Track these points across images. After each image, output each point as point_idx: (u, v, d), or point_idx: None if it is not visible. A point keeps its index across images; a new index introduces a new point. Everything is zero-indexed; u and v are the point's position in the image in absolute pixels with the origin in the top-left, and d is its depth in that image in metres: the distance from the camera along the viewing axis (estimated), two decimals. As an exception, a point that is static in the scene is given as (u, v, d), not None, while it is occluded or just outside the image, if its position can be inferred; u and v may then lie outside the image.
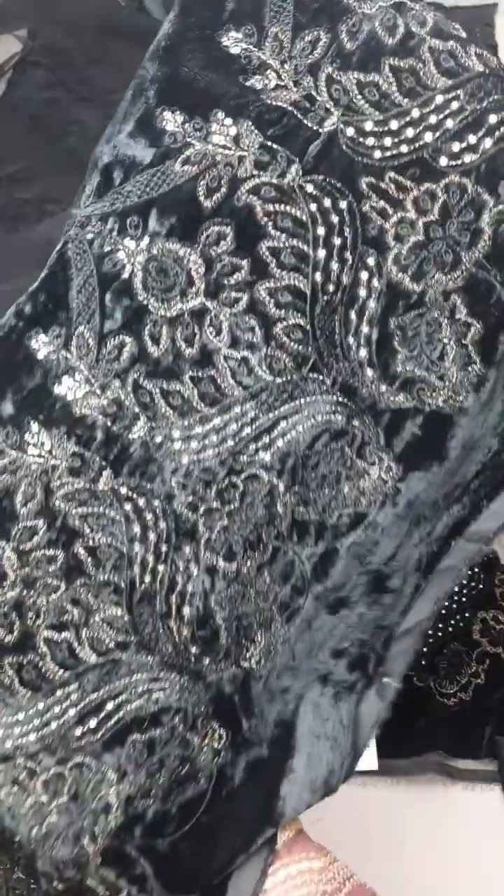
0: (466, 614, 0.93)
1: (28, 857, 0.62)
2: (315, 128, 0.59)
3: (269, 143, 0.59)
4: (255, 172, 0.59)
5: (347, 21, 0.59)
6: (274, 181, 0.60)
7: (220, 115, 0.59)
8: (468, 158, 0.58)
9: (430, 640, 0.92)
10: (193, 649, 0.67)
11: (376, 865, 0.81)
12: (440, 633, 0.93)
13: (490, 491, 0.65)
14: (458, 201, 0.58)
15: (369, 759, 0.74)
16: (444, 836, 0.79)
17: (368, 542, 0.68)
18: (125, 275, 0.60)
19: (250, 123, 0.59)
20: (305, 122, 0.59)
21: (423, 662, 0.92)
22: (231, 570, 0.66)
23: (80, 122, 0.87)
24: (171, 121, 0.59)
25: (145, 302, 0.61)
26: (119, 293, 0.60)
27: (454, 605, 0.92)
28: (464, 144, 0.58)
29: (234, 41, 0.60)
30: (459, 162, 0.58)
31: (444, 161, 0.58)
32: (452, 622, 0.93)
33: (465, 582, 0.95)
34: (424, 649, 0.90)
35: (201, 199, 0.60)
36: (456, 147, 0.58)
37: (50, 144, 0.88)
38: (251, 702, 0.70)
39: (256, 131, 0.59)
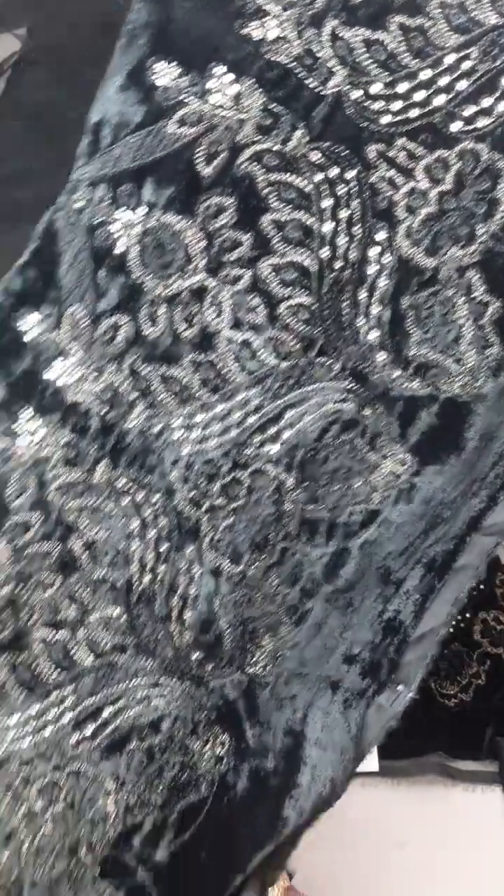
0: (467, 615, 0.94)
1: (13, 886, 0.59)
2: (319, 89, 0.55)
3: (272, 106, 0.55)
4: (256, 138, 0.55)
5: None
6: (277, 148, 0.56)
7: (219, 70, 0.55)
8: (482, 123, 0.54)
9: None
10: (195, 655, 0.63)
11: (376, 865, 0.83)
12: (441, 634, 0.93)
13: (509, 481, 0.61)
14: (472, 169, 0.54)
15: (370, 760, 0.72)
16: (444, 837, 0.81)
17: (381, 540, 0.64)
18: (119, 249, 0.56)
19: (253, 82, 0.55)
20: (308, 81, 0.55)
21: (425, 663, 0.93)
22: (236, 572, 0.62)
23: (80, 121, 0.78)
24: (164, 74, 0.54)
25: (141, 280, 0.57)
26: (113, 270, 0.57)
27: (455, 606, 0.93)
28: (477, 108, 0.54)
29: None
30: (473, 127, 0.54)
31: (456, 126, 0.54)
32: (453, 623, 0.93)
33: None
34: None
35: (199, 167, 0.56)
36: (469, 111, 0.54)
37: (49, 144, 0.82)
38: (257, 709, 0.66)
39: (259, 90, 0.55)
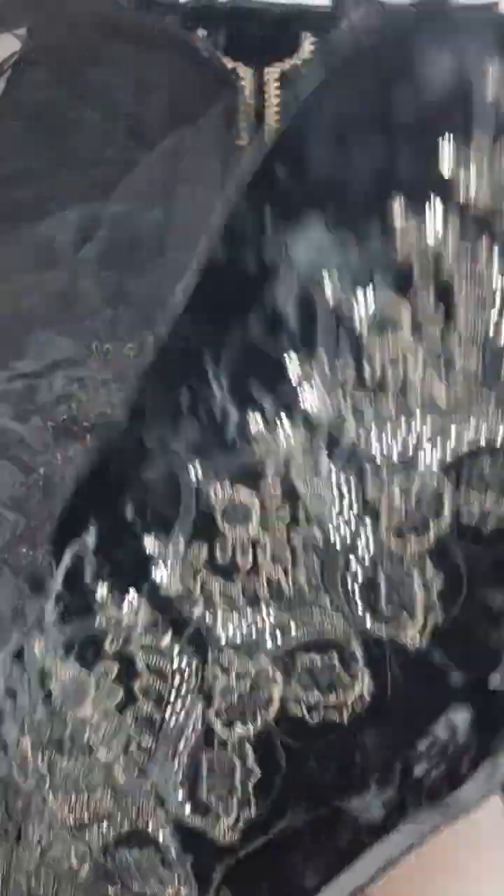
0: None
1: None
2: None
3: None
4: None
5: None
6: None
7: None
8: None
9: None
10: (358, 604, 0.86)
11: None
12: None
13: None
14: None
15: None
16: (444, 837, 0.79)
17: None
18: (355, 324, 0.90)
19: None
20: None
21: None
22: (395, 549, 0.85)
23: (80, 122, 0.88)
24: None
25: (365, 340, 0.90)
26: (349, 334, 0.90)
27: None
28: None
29: None
30: None
31: None
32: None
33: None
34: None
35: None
36: None
37: (49, 144, 0.89)
38: (400, 675, 0.85)
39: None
